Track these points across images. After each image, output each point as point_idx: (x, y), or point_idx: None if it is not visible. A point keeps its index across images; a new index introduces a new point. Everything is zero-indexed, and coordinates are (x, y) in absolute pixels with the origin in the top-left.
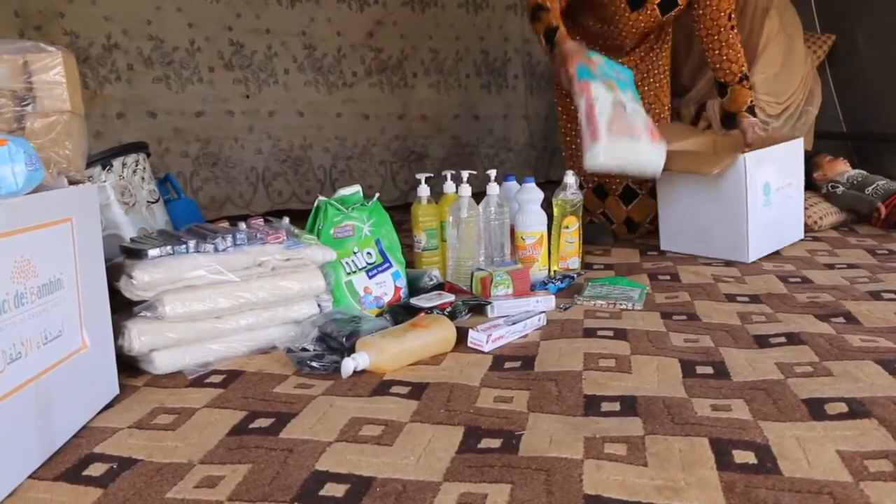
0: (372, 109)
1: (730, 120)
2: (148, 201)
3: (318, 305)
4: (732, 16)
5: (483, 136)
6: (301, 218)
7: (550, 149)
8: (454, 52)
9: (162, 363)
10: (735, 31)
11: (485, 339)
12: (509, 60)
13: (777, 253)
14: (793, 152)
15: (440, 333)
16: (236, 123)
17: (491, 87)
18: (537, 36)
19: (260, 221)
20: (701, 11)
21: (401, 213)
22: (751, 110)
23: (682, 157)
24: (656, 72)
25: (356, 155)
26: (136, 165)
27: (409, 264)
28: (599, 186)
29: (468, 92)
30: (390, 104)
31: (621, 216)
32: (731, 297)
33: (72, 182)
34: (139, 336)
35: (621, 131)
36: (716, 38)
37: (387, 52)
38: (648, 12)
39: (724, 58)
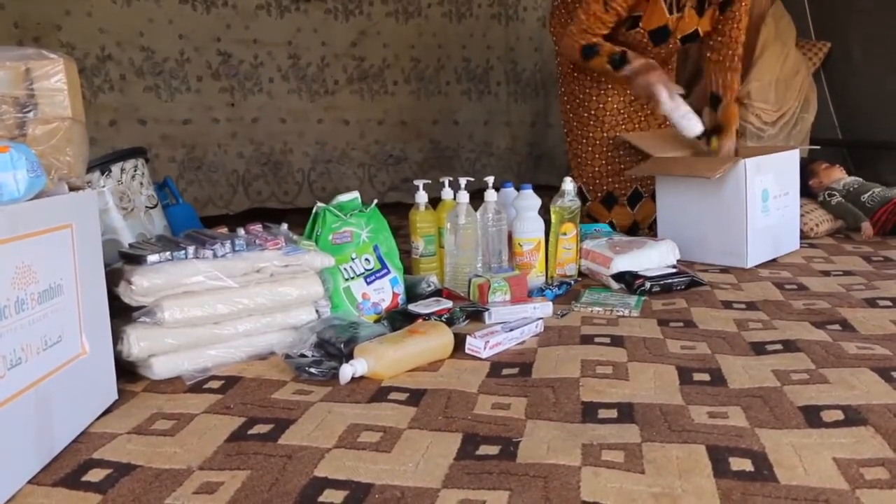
0: (352, 115)
1: (713, 132)
2: (146, 206)
3: (317, 311)
4: (741, 44)
5: (463, 141)
6: (278, 216)
7: (536, 154)
8: (436, 59)
9: (160, 369)
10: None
11: (482, 345)
12: (492, 68)
13: (773, 260)
14: (790, 162)
15: (438, 340)
16: (221, 130)
17: (472, 94)
18: (599, 68)
19: (259, 227)
20: (720, 39)
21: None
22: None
23: (682, 162)
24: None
25: (335, 158)
26: (135, 171)
27: (407, 270)
28: (608, 195)
29: (448, 98)
30: (370, 110)
31: (628, 220)
32: (727, 304)
33: (72, 188)
34: (138, 341)
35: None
36: (728, 65)
37: (369, 60)
38: (670, 46)
39: (730, 79)
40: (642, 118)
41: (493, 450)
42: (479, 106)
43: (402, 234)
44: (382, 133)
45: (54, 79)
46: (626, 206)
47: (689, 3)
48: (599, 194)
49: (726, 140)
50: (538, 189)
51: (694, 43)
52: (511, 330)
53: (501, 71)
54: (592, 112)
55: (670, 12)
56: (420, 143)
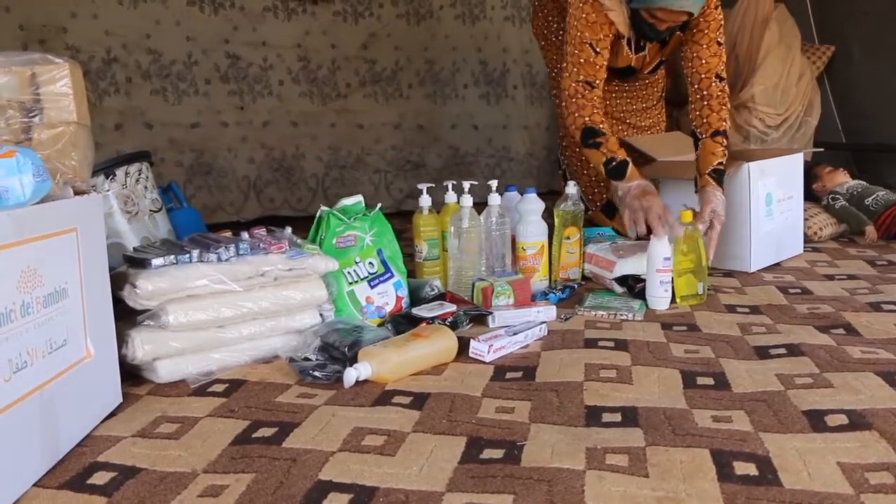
0: (366, 119)
1: (696, 183)
2: (150, 210)
3: (321, 315)
4: (722, 70)
5: (482, 147)
6: (291, 224)
7: (553, 158)
8: (451, 62)
9: (165, 372)
10: (724, 83)
11: (486, 349)
12: (508, 71)
13: (777, 264)
14: (794, 166)
15: (442, 343)
16: (230, 134)
17: (490, 98)
18: (593, 162)
19: (262, 231)
20: (690, 64)
21: (395, 222)
22: (718, 175)
23: (684, 166)
24: (651, 86)
25: (349, 164)
26: (139, 174)
27: (411, 274)
28: (608, 204)
29: (466, 102)
30: (385, 114)
31: None
32: (731, 308)
33: (77, 192)
34: (142, 345)
35: None
36: (696, 86)
37: (381, 63)
38: (636, 76)
39: (704, 105)
40: (631, 125)
41: (497, 453)
42: (498, 110)
43: (405, 237)
44: (399, 138)
45: (60, 83)
46: None
47: (649, 43)
48: (598, 203)
49: (704, 193)
50: (555, 195)
51: (661, 69)
52: (515, 334)
53: (518, 74)
54: None
55: (634, 52)
56: (439, 149)
